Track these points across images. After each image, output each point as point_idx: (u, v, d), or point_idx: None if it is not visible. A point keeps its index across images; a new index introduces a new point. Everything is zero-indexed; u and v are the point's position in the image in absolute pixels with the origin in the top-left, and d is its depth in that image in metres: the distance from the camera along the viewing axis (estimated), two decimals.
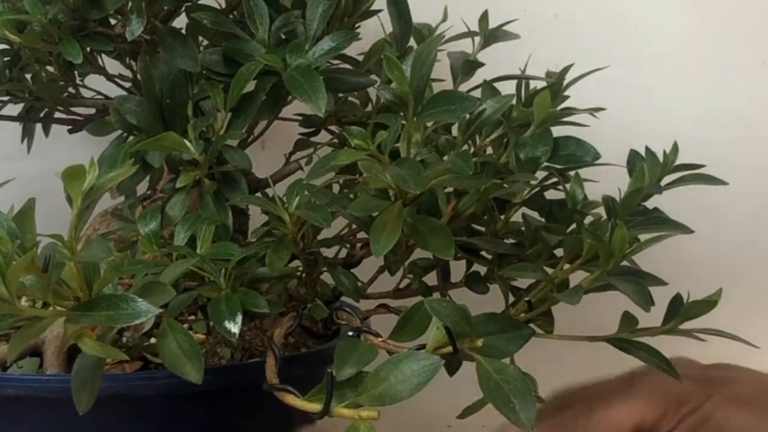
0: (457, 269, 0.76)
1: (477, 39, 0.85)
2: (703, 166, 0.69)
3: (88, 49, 0.73)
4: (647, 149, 0.69)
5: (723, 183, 0.68)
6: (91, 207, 0.53)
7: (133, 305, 0.51)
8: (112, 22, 0.74)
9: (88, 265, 0.55)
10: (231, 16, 0.78)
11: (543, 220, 0.71)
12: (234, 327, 0.61)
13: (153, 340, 0.74)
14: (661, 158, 0.68)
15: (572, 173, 0.70)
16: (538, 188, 0.71)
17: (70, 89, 0.81)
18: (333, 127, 0.83)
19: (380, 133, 0.57)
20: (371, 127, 0.63)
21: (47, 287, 0.52)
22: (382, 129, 0.60)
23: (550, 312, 0.69)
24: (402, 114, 0.59)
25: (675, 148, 0.68)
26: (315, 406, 0.57)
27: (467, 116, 0.61)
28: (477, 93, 0.72)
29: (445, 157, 0.61)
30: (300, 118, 0.83)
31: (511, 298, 0.69)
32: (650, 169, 0.68)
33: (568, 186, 0.68)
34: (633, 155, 0.70)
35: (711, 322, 0.67)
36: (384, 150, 0.57)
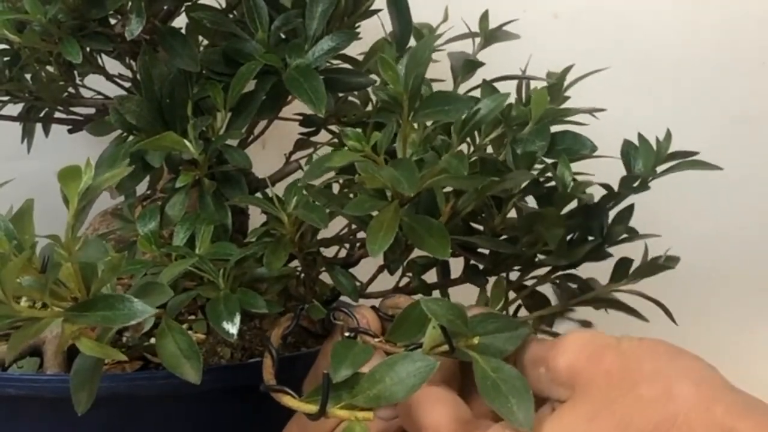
0: (458, 266, 0.76)
1: (477, 39, 0.85)
2: (696, 153, 0.68)
3: (88, 49, 0.73)
4: (640, 137, 0.69)
5: (717, 168, 0.67)
6: (87, 207, 0.53)
7: (130, 305, 0.51)
8: (113, 21, 0.74)
9: (85, 266, 0.54)
10: (232, 16, 0.78)
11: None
12: (232, 328, 0.61)
13: (153, 340, 0.74)
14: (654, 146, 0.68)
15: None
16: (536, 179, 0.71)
17: (70, 89, 0.81)
18: (333, 127, 0.83)
19: (374, 134, 0.57)
20: (371, 127, 0.63)
21: (44, 287, 0.51)
22: (382, 129, 0.60)
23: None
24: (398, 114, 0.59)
25: (668, 135, 0.68)
26: (311, 407, 0.57)
27: (463, 116, 0.61)
28: (477, 93, 0.73)
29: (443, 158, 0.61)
30: (300, 117, 0.83)
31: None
32: (643, 158, 0.68)
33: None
34: (627, 145, 0.70)
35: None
36: (379, 150, 0.57)
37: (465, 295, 0.72)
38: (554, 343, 0.58)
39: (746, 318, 1.06)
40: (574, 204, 0.71)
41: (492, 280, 0.73)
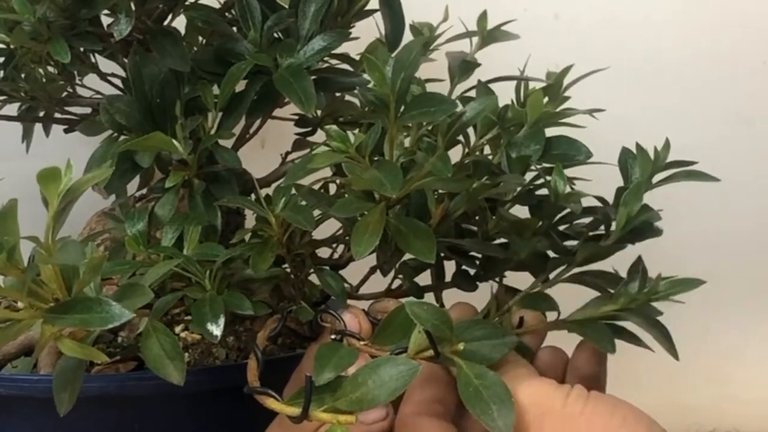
0: (453, 269, 0.75)
1: (476, 38, 0.85)
2: (694, 162, 0.67)
3: (82, 48, 0.72)
4: (638, 146, 0.68)
5: (714, 179, 0.66)
6: (68, 208, 0.52)
7: (108, 308, 0.50)
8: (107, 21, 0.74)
9: (67, 267, 0.54)
10: (230, 15, 0.78)
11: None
12: (216, 329, 0.60)
13: None
14: (652, 155, 0.67)
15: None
16: (529, 186, 0.70)
17: (69, 89, 0.80)
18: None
19: (358, 135, 0.56)
20: (365, 127, 0.62)
21: (23, 288, 0.51)
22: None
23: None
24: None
25: (666, 144, 0.67)
26: (294, 410, 0.57)
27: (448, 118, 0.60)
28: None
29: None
30: (296, 117, 0.82)
31: None
32: (641, 167, 0.67)
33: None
34: (624, 153, 0.69)
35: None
36: (364, 152, 0.57)
37: (459, 298, 0.71)
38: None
39: (746, 318, 1.06)
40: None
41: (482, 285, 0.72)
